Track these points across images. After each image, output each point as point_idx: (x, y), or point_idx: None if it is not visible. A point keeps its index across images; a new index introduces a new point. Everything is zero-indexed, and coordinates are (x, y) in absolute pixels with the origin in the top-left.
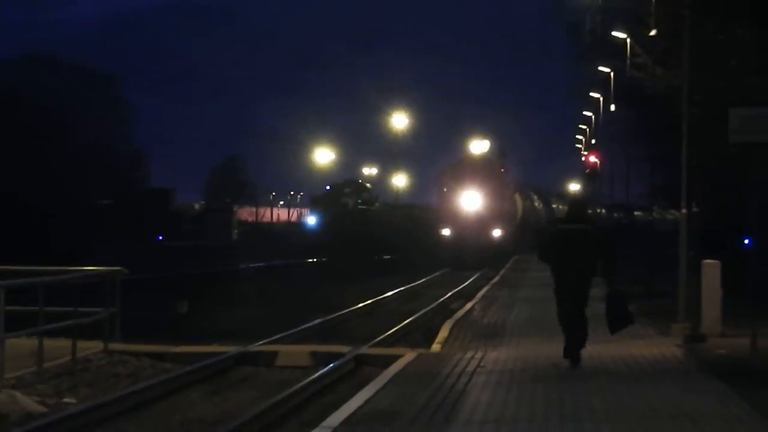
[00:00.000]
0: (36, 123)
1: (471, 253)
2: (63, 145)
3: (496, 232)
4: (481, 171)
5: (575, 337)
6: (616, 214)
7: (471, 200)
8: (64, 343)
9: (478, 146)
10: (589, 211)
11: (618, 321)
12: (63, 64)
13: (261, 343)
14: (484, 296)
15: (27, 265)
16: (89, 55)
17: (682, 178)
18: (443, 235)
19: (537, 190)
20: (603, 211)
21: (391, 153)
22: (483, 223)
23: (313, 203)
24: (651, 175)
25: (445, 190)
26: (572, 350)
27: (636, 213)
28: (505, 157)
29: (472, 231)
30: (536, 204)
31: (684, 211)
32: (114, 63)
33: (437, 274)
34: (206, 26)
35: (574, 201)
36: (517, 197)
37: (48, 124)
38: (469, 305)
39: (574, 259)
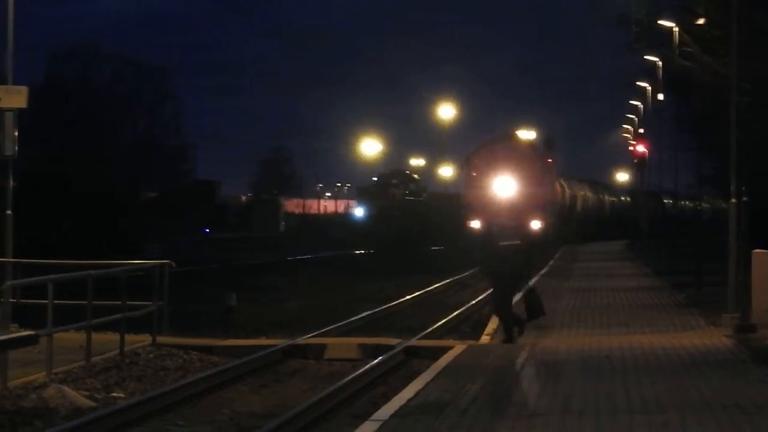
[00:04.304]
0: (84, 116)
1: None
2: (111, 137)
3: (535, 224)
4: (518, 152)
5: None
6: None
7: (506, 186)
8: (113, 337)
9: (525, 136)
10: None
11: (535, 312)
12: (111, 56)
13: (310, 335)
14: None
15: (75, 257)
16: (131, 48)
17: (730, 167)
18: (473, 228)
19: (582, 178)
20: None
21: (438, 144)
22: (520, 213)
23: (361, 194)
24: (699, 164)
25: (474, 174)
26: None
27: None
28: (552, 147)
29: (507, 223)
30: (585, 193)
31: (734, 200)
32: (157, 56)
33: None
34: (251, 18)
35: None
36: (562, 185)
37: (96, 117)
38: (517, 296)
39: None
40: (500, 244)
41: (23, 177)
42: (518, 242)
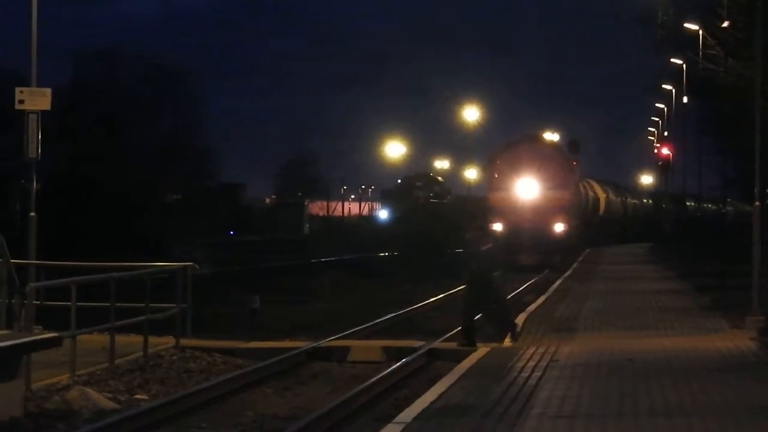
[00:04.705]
0: (108, 118)
1: (528, 252)
2: (135, 140)
3: (559, 227)
4: (542, 154)
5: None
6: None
7: (529, 188)
8: (136, 339)
9: (549, 138)
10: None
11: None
12: (135, 58)
13: (333, 338)
14: (556, 289)
15: (99, 259)
16: (153, 50)
17: (755, 170)
18: (494, 231)
19: (605, 181)
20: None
21: (462, 146)
22: (543, 215)
23: (385, 197)
24: (723, 167)
25: (496, 176)
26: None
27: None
28: (576, 150)
29: (530, 225)
30: (608, 196)
31: (757, 203)
32: (180, 57)
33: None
34: (275, 21)
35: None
36: (585, 187)
37: (120, 119)
38: (541, 299)
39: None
40: (482, 248)
41: (48, 179)
42: (489, 245)
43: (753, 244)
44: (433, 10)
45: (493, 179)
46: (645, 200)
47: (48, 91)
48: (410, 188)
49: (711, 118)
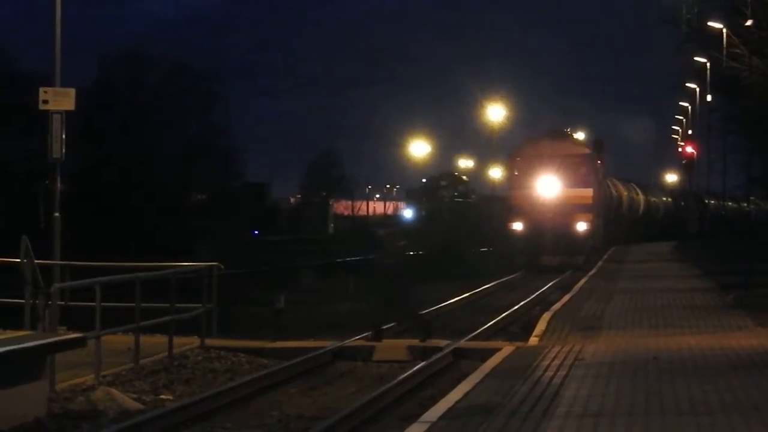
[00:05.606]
0: (133, 118)
1: (550, 252)
2: (161, 140)
3: (582, 226)
4: (564, 150)
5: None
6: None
7: (551, 186)
8: (161, 339)
9: (573, 136)
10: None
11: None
12: (160, 59)
13: (358, 337)
14: (581, 288)
15: (124, 259)
16: (178, 50)
17: None
18: (515, 230)
19: (627, 179)
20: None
21: (487, 145)
22: (566, 214)
23: (409, 196)
24: (749, 165)
25: (517, 173)
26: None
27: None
28: (601, 149)
29: (552, 224)
30: (630, 194)
31: None
32: (204, 57)
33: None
34: (299, 18)
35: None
36: (609, 186)
37: (145, 120)
38: (566, 297)
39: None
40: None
41: (72, 179)
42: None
43: None
44: (455, 7)
45: (513, 177)
46: (665, 198)
47: (72, 91)
48: (435, 188)
49: (735, 116)
